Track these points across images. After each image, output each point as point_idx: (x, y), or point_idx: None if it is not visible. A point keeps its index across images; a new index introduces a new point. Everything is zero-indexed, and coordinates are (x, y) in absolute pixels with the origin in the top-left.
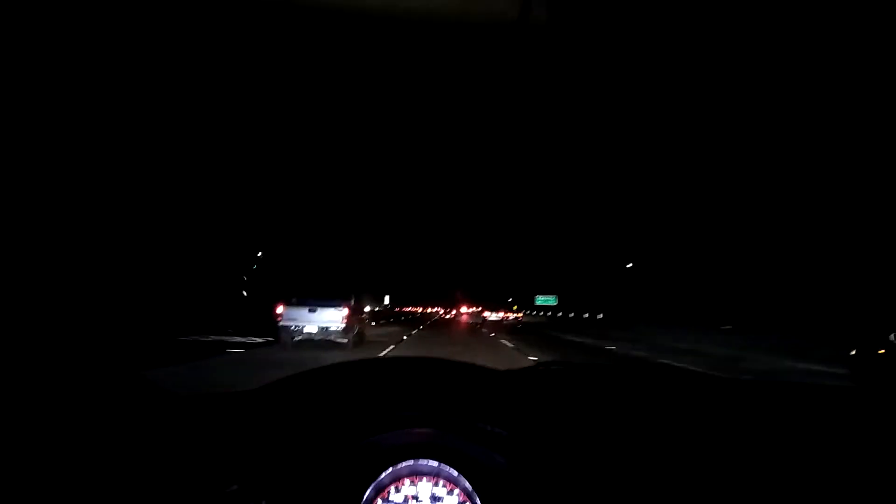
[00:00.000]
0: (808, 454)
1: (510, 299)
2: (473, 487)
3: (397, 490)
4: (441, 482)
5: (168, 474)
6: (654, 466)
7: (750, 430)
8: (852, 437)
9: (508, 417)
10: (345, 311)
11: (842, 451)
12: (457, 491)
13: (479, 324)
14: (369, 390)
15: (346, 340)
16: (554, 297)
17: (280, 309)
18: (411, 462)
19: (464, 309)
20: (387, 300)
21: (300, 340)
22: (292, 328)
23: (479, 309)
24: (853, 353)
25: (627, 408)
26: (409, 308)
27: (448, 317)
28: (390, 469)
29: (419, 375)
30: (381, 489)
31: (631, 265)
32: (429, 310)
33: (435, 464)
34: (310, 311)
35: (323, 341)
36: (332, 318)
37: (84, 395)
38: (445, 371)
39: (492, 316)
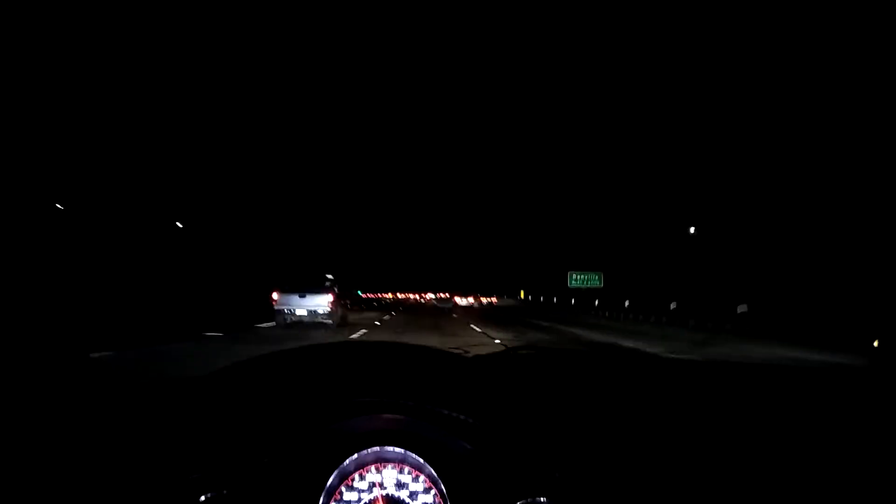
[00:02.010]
0: (787, 438)
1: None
2: (438, 474)
3: (362, 477)
4: (406, 469)
5: (126, 462)
6: (623, 451)
7: (721, 411)
8: (818, 418)
9: (475, 403)
10: (330, 297)
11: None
12: (422, 477)
13: (449, 308)
14: (333, 375)
15: (331, 322)
16: (596, 274)
17: (275, 295)
18: (376, 449)
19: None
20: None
21: (293, 322)
22: (286, 311)
23: (448, 295)
24: (877, 343)
25: (596, 392)
26: (383, 294)
27: (421, 301)
28: (355, 455)
29: (384, 360)
30: (345, 476)
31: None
32: (402, 296)
33: (400, 450)
34: (300, 297)
35: (312, 322)
36: (320, 303)
37: (40, 383)
38: (411, 356)
39: (462, 301)
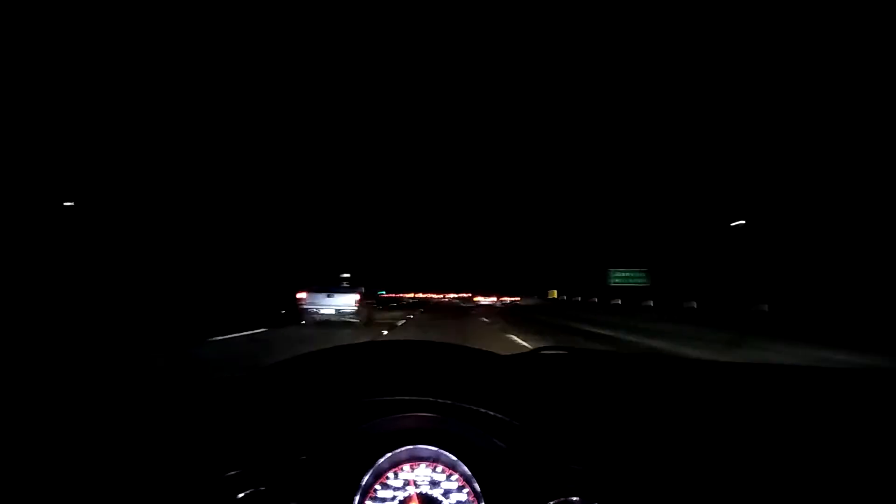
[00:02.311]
0: (815, 439)
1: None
2: (472, 472)
3: (396, 475)
4: (440, 467)
5: (167, 459)
6: (655, 452)
7: (755, 415)
8: (860, 421)
9: (509, 401)
10: (357, 297)
11: (851, 435)
12: (456, 476)
13: (471, 307)
14: (370, 374)
15: (357, 320)
16: (641, 271)
17: (302, 295)
18: (410, 447)
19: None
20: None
21: (320, 320)
22: (313, 310)
23: (469, 295)
24: None
25: (629, 394)
26: (405, 294)
27: (444, 301)
28: (389, 454)
29: (418, 359)
30: (380, 474)
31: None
32: (423, 296)
33: (434, 449)
34: (327, 296)
35: (339, 321)
36: (347, 302)
37: (81, 383)
38: (445, 355)
39: (483, 300)
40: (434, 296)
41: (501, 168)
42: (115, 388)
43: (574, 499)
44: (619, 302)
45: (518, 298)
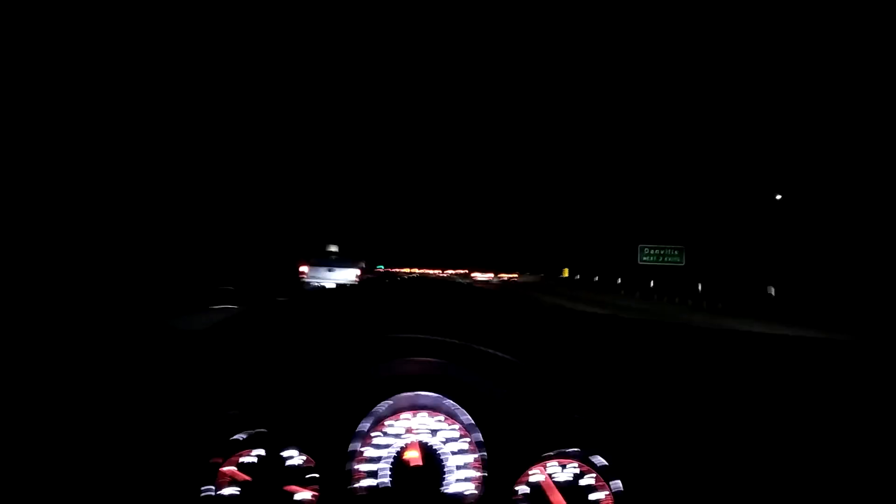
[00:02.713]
0: (818, 407)
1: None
2: (474, 419)
3: (396, 421)
4: (441, 415)
5: (169, 399)
6: (655, 406)
7: (749, 379)
8: (854, 391)
9: (512, 344)
10: (357, 271)
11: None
12: (457, 425)
13: (467, 283)
14: (374, 312)
15: None
16: (676, 248)
17: (304, 268)
18: (411, 394)
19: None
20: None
21: None
22: (314, 283)
23: (466, 271)
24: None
25: (630, 350)
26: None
27: (442, 276)
28: (391, 400)
29: (427, 298)
30: (379, 420)
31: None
32: (423, 271)
33: (435, 395)
34: (328, 269)
35: None
36: (348, 276)
37: (88, 333)
38: (453, 293)
39: (480, 276)
40: (431, 271)
41: (509, 132)
42: (126, 336)
43: (574, 449)
44: (652, 285)
45: (516, 275)
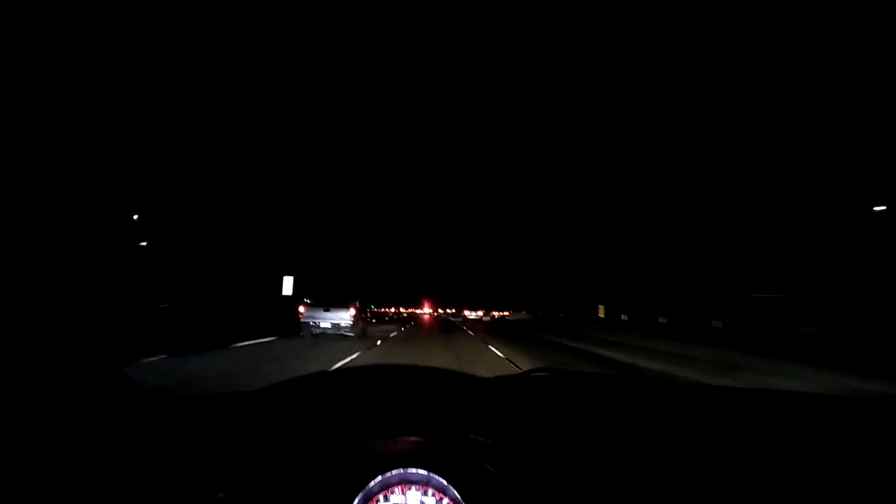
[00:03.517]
0: (806, 464)
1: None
2: (462, 496)
3: (386, 499)
4: (430, 491)
5: (154, 480)
6: (644, 476)
7: (746, 439)
8: (854, 447)
9: (496, 426)
10: (352, 311)
11: (844, 461)
12: (446, 500)
13: (458, 321)
14: (359, 398)
15: (353, 334)
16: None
17: (301, 309)
18: (401, 470)
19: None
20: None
21: (318, 333)
22: (311, 324)
23: (454, 310)
24: None
25: (618, 417)
26: (395, 309)
27: (432, 315)
28: (379, 477)
29: (408, 384)
30: (369, 497)
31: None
32: (414, 311)
33: (424, 472)
34: (325, 311)
35: (335, 334)
36: (343, 316)
37: (71, 398)
38: (434, 380)
39: (470, 315)
40: (418, 310)
41: (499, 171)
42: (117, 407)
43: None
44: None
45: (507, 313)
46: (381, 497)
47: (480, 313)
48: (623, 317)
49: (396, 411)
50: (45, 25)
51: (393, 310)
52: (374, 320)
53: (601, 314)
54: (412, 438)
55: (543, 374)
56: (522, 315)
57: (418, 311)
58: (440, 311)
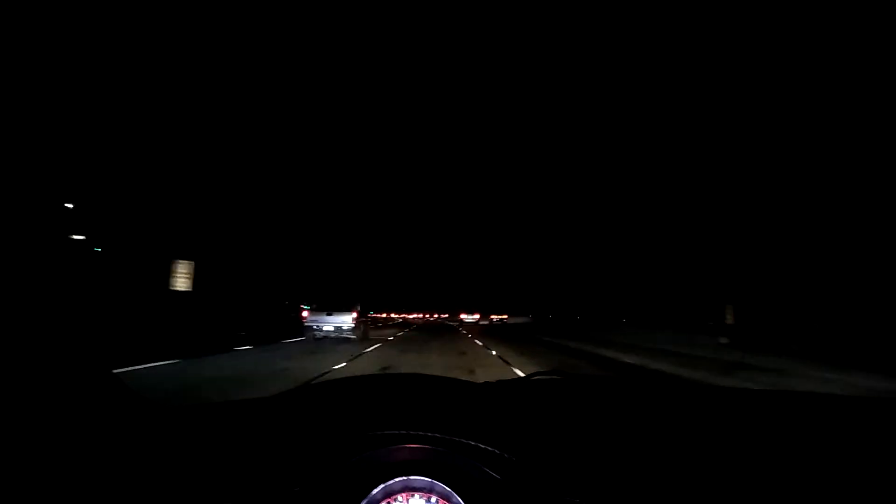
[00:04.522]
0: (812, 465)
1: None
2: (466, 503)
3: None
4: (434, 498)
5: (156, 491)
6: (649, 480)
7: (752, 440)
8: (858, 447)
9: (499, 432)
10: (354, 315)
11: (849, 461)
12: None
13: (456, 325)
14: (362, 407)
15: (354, 337)
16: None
17: (305, 314)
18: (404, 478)
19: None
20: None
21: (321, 337)
22: (315, 328)
23: (449, 315)
24: None
25: (622, 421)
26: (395, 314)
27: (430, 319)
28: (383, 485)
29: (411, 392)
30: None
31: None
32: (411, 316)
33: (428, 480)
34: (327, 315)
35: (338, 338)
36: (345, 320)
37: (72, 409)
38: (435, 387)
39: (467, 318)
40: (411, 316)
41: (495, 180)
42: (112, 416)
43: None
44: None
45: (506, 316)
46: (385, 502)
47: (477, 316)
48: (623, 319)
49: (399, 419)
50: (45, 24)
51: (386, 315)
52: (379, 324)
53: (729, 319)
54: (415, 446)
55: (545, 377)
56: (519, 319)
57: (413, 317)
58: (437, 315)
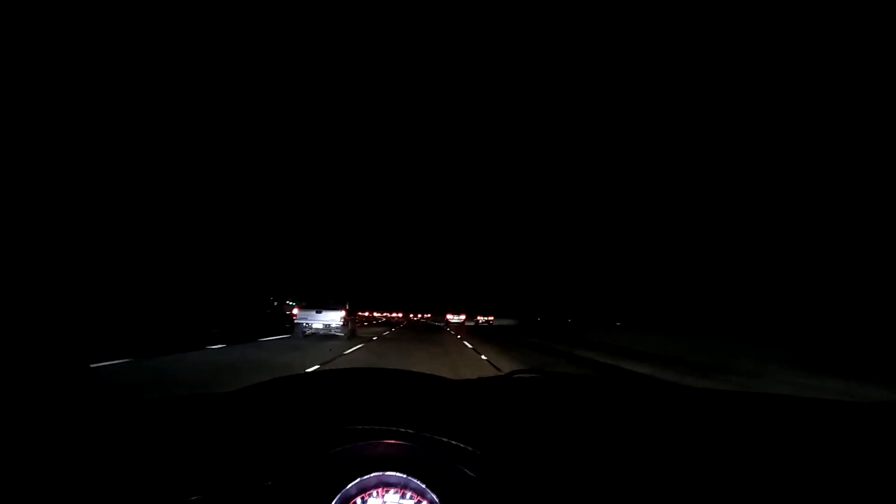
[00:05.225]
0: (786, 465)
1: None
2: (441, 500)
3: (364, 501)
4: (409, 494)
5: (127, 482)
6: (627, 479)
7: (727, 440)
8: (825, 450)
9: (476, 430)
10: (342, 313)
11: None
12: (425, 502)
13: (442, 325)
14: (337, 401)
15: (342, 334)
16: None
17: (295, 311)
18: (379, 473)
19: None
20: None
21: (310, 333)
22: (304, 325)
23: (433, 315)
24: None
25: (600, 420)
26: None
27: (414, 319)
28: (357, 480)
29: (387, 387)
30: (347, 500)
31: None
32: (397, 315)
33: (402, 475)
34: (317, 312)
35: (326, 335)
36: (333, 318)
37: (40, 399)
38: (413, 383)
39: (453, 318)
40: (395, 315)
41: (484, 183)
42: (87, 407)
43: None
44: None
45: (492, 318)
46: (358, 500)
47: (463, 317)
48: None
49: (375, 414)
50: (44, 24)
51: (368, 313)
52: (366, 322)
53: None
54: (390, 441)
55: (525, 375)
56: (505, 320)
57: (397, 316)
58: (422, 315)
